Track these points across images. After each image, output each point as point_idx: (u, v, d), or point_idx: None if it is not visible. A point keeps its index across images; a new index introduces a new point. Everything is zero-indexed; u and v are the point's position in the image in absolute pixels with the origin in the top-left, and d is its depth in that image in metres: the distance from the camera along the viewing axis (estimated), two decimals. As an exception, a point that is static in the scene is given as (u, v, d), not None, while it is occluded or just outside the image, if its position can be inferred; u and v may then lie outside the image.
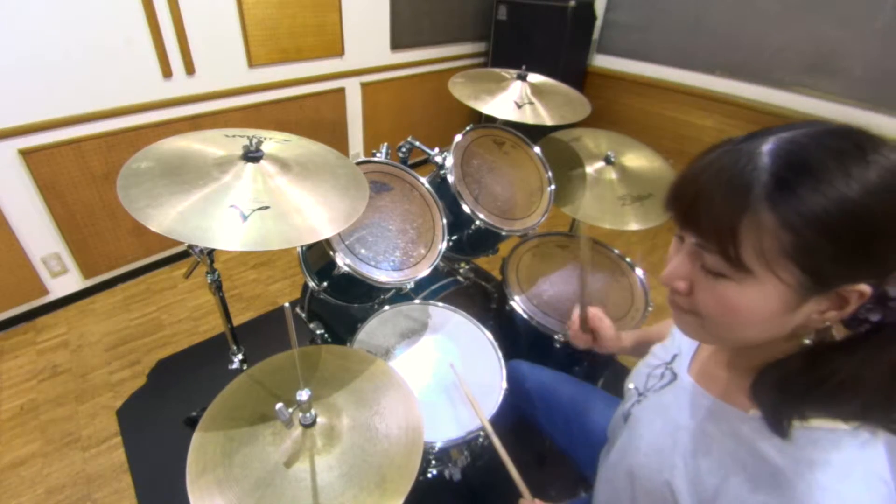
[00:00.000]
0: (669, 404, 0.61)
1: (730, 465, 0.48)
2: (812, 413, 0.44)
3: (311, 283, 1.11)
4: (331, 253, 0.99)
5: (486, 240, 1.34)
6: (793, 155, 0.40)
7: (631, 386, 0.73)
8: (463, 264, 1.44)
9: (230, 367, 1.33)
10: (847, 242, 0.38)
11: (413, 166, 1.30)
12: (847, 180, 0.37)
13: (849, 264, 0.39)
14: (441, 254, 1.13)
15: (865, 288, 0.40)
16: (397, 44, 2.69)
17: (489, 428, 0.84)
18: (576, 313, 0.92)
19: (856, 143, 0.39)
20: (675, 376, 0.64)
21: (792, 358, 0.47)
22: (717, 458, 0.50)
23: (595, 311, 0.92)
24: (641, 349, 0.85)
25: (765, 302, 0.43)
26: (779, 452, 0.45)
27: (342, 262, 0.98)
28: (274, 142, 0.96)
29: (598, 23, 2.98)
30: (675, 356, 0.67)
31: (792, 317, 0.44)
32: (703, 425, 0.54)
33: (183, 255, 2.31)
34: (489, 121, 1.39)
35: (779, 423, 0.45)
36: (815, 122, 0.42)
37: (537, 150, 1.36)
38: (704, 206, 0.43)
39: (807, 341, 0.46)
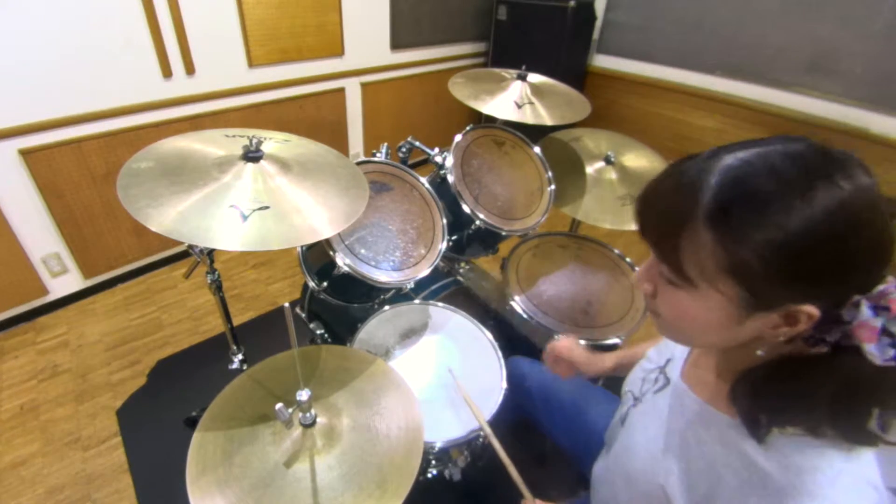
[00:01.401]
0: (663, 408, 0.61)
1: (721, 470, 0.48)
2: (784, 422, 0.45)
3: (311, 283, 1.11)
4: (331, 253, 0.99)
5: (486, 240, 1.34)
6: (738, 180, 0.41)
7: (627, 390, 0.74)
8: (463, 264, 1.44)
9: (230, 367, 1.33)
10: (782, 268, 0.39)
11: (413, 166, 1.30)
12: (786, 211, 0.38)
13: (786, 287, 0.40)
14: (441, 254, 1.13)
15: (813, 310, 0.40)
16: (397, 44, 2.69)
17: (489, 430, 0.84)
18: (549, 346, 0.94)
19: (807, 169, 0.39)
20: (668, 381, 0.64)
21: (760, 367, 0.48)
22: (709, 463, 0.50)
23: (563, 343, 0.93)
24: (623, 370, 0.85)
25: (710, 312, 0.45)
26: (766, 458, 0.45)
27: (342, 262, 0.98)
28: (274, 142, 0.96)
29: (598, 23, 2.98)
30: (668, 360, 0.67)
31: (740, 329, 0.45)
32: (695, 430, 0.54)
33: (183, 255, 2.31)
34: (489, 121, 1.39)
35: (755, 429, 0.46)
36: (778, 140, 0.42)
37: (537, 150, 1.36)
38: (652, 220, 0.47)
39: (759, 353, 0.47)
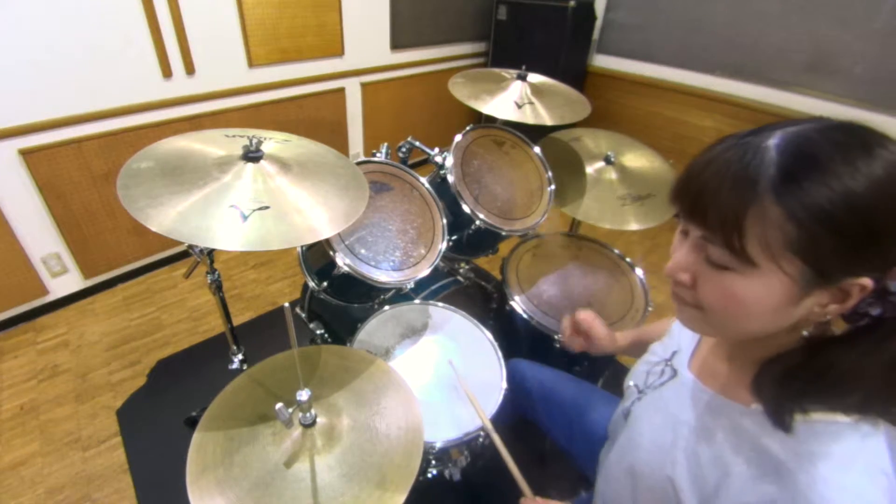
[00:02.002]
0: (670, 400, 0.61)
1: (731, 460, 0.48)
2: (813, 406, 0.44)
3: (311, 283, 1.11)
4: (331, 253, 0.99)
5: (486, 240, 1.34)
6: (800, 148, 0.40)
7: (631, 383, 0.74)
8: (463, 264, 1.44)
9: (230, 367, 1.33)
10: (851, 236, 0.39)
11: (413, 166, 1.30)
12: (853, 174, 0.38)
13: (852, 258, 0.40)
14: (441, 254, 1.13)
15: (867, 282, 0.40)
16: (397, 44, 2.69)
17: (489, 426, 0.84)
18: (566, 321, 0.94)
19: (862, 138, 0.40)
20: (675, 373, 0.64)
21: (792, 352, 0.47)
22: (719, 453, 0.50)
23: (585, 315, 0.93)
24: (637, 349, 0.85)
25: (768, 294, 0.43)
26: (780, 446, 0.45)
27: (342, 262, 0.98)
28: (274, 142, 0.96)
29: (598, 23, 2.98)
30: (674, 353, 0.67)
31: (794, 309, 0.44)
32: (704, 420, 0.54)
33: (183, 255, 2.31)
34: (489, 121, 1.39)
35: (780, 417, 0.45)
36: (822, 118, 0.43)
37: (537, 150, 1.36)
38: (710, 198, 0.44)
39: (805, 333, 0.46)
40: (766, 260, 0.42)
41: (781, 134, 0.42)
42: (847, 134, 0.40)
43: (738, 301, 0.45)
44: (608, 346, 0.92)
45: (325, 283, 1.09)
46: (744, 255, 0.42)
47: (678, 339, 0.68)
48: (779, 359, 0.48)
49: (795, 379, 0.46)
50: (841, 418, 0.44)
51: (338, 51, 2.44)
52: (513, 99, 1.36)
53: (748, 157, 0.42)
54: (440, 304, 1.18)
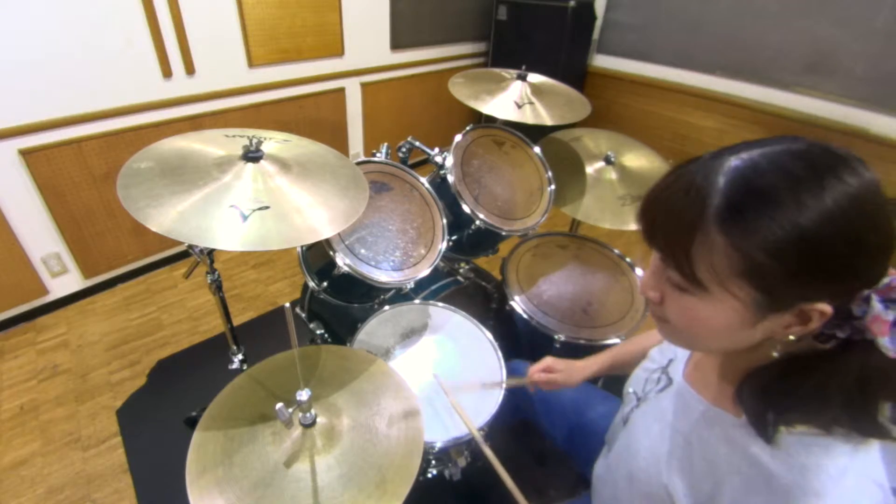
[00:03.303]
0: (666, 409, 0.61)
1: (725, 470, 0.48)
2: (794, 420, 0.45)
3: (311, 283, 1.11)
4: (331, 253, 0.99)
5: (486, 240, 1.34)
6: (746, 179, 0.40)
7: (630, 390, 0.74)
8: (463, 264, 1.44)
9: (230, 367, 1.33)
10: (797, 266, 0.39)
11: (413, 166, 1.30)
12: (798, 207, 0.38)
13: (802, 286, 0.40)
14: (441, 254, 1.13)
15: (825, 307, 0.40)
16: (397, 44, 2.69)
17: (479, 437, 0.83)
18: (529, 383, 0.94)
19: (814, 166, 0.39)
20: (670, 381, 0.64)
21: (769, 367, 0.47)
22: (713, 463, 0.50)
23: (536, 368, 0.93)
24: (620, 368, 0.85)
25: (722, 316, 0.44)
26: (771, 458, 0.45)
27: (342, 262, 0.98)
28: (274, 142, 0.96)
29: (598, 23, 2.98)
30: (671, 360, 0.67)
31: (752, 331, 0.45)
32: (698, 430, 0.54)
33: (183, 255, 2.31)
34: (489, 121, 1.39)
35: (763, 429, 0.46)
36: (780, 140, 0.42)
37: (537, 150, 1.36)
38: (661, 224, 0.46)
39: (774, 354, 0.46)
40: (715, 285, 0.42)
41: (733, 162, 0.41)
42: (799, 161, 0.40)
43: (695, 321, 0.46)
44: (579, 379, 0.91)
45: (325, 283, 1.09)
46: (694, 280, 0.43)
47: (674, 347, 0.68)
48: (757, 373, 0.48)
49: (773, 392, 0.46)
50: (822, 432, 0.44)
51: (338, 51, 2.44)
52: (513, 99, 1.36)
53: (698, 183, 0.42)
54: (440, 304, 1.18)
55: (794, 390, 0.45)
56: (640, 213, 0.48)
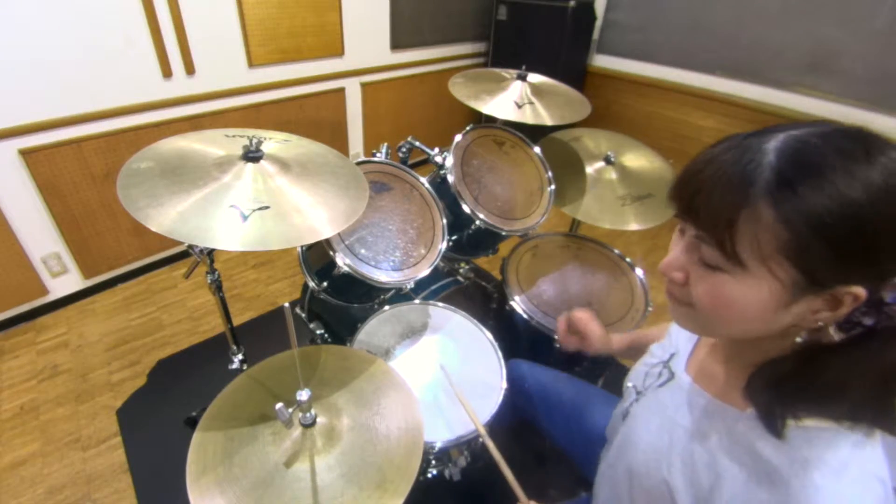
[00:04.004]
0: (667, 403, 0.61)
1: (726, 464, 0.48)
2: (805, 413, 0.44)
3: (311, 283, 1.11)
4: (331, 253, 0.99)
5: (486, 240, 1.34)
6: (798, 153, 0.40)
7: (630, 384, 0.74)
8: (463, 264, 1.44)
9: (230, 367, 1.33)
10: (844, 243, 0.38)
11: (413, 166, 1.30)
12: (850, 181, 0.37)
13: (844, 266, 0.39)
14: (441, 254, 1.13)
15: (860, 291, 0.40)
16: (397, 44, 2.69)
17: (482, 430, 0.83)
18: (562, 318, 0.94)
19: (864, 144, 0.39)
20: (672, 375, 0.64)
21: (785, 358, 0.47)
22: (713, 456, 0.50)
23: (581, 314, 0.93)
24: (634, 352, 0.85)
25: (757, 297, 0.43)
26: (774, 451, 0.45)
27: (342, 262, 0.98)
28: (274, 142, 0.96)
29: (598, 23, 2.98)
30: (672, 355, 0.67)
31: (784, 314, 0.44)
32: (700, 423, 0.54)
33: (183, 255, 2.31)
34: (489, 121, 1.39)
35: (773, 422, 0.45)
36: (824, 122, 0.42)
37: (537, 150, 1.36)
38: (705, 198, 0.44)
39: (798, 340, 0.46)
40: (756, 263, 0.41)
41: (783, 137, 0.41)
42: (850, 140, 0.40)
43: (727, 302, 0.45)
44: (603, 347, 0.92)
45: (325, 283, 1.09)
46: (735, 257, 0.42)
47: (676, 342, 0.68)
48: (771, 364, 0.48)
49: (787, 385, 0.45)
50: (834, 425, 0.44)
51: (338, 51, 2.44)
52: (513, 99, 1.36)
53: (746, 158, 0.41)
54: (440, 304, 1.18)
55: (811, 382, 0.44)
56: (678, 188, 0.47)
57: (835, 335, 0.44)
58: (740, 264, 0.42)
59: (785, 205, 0.39)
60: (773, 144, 0.41)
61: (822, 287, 0.41)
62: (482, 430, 0.83)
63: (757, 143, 0.42)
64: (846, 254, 0.39)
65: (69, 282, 2.00)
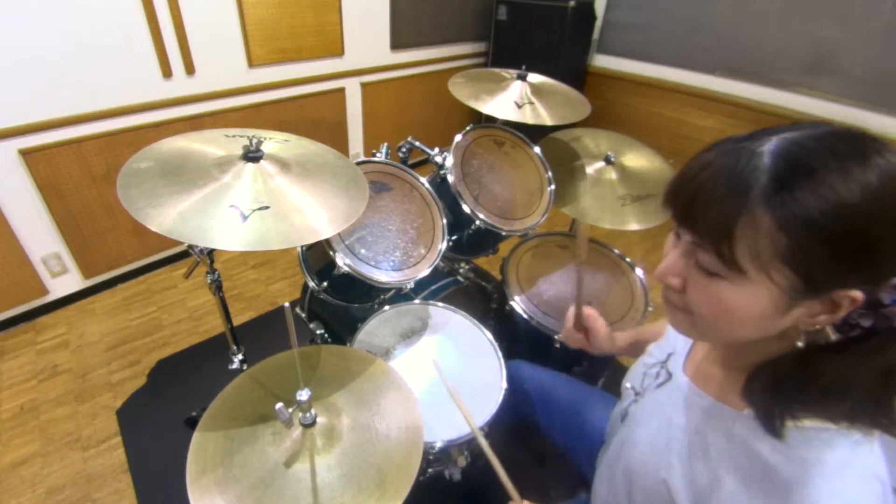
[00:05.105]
0: (665, 403, 0.61)
1: (724, 464, 0.48)
2: (803, 413, 0.44)
3: (311, 283, 1.11)
4: (331, 253, 0.99)
5: (486, 240, 1.34)
6: (793, 156, 0.40)
7: (628, 385, 0.74)
8: (463, 264, 1.44)
9: (230, 367, 1.33)
10: (843, 247, 0.38)
11: (413, 166, 1.30)
12: (846, 184, 0.37)
13: (843, 270, 0.39)
14: (441, 254, 1.13)
15: (858, 294, 0.40)
16: (397, 44, 2.69)
17: (475, 426, 0.83)
18: (571, 312, 0.93)
19: (859, 145, 0.39)
20: (670, 375, 0.64)
21: (783, 358, 0.47)
22: (712, 457, 0.50)
23: (590, 311, 0.93)
24: (636, 350, 0.85)
25: (756, 303, 0.43)
26: (772, 451, 0.45)
27: (342, 262, 0.98)
28: (274, 142, 0.96)
29: (598, 23, 2.98)
30: (669, 355, 0.67)
31: (782, 318, 0.44)
32: (698, 424, 0.54)
33: (183, 255, 2.31)
34: (489, 121, 1.39)
35: (771, 423, 0.45)
36: (819, 124, 0.42)
37: (537, 150, 1.36)
38: (702, 204, 0.43)
39: (799, 344, 0.46)
40: (755, 269, 0.41)
41: (777, 140, 0.41)
42: (844, 141, 0.39)
43: (725, 308, 0.45)
44: (607, 346, 0.92)
45: (325, 283, 1.09)
46: (733, 264, 0.42)
47: (674, 342, 0.68)
48: (770, 365, 0.48)
49: (785, 386, 0.45)
50: (833, 425, 0.44)
51: (338, 51, 2.44)
52: (513, 99, 1.36)
53: (741, 163, 0.41)
54: (440, 304, 1.18)
55: (810, 382, 0.44)
56: (673, 194, 0.47)
57: (832, 336, 0.44)
58: (738, 270, 0.42)
59: (783, 210, 0.39)
60: (768, 147, 0.41)
61: (820, 291, 0.41)
62: (474, 427, 0.83)
63: (752, 146, 0.42)
64: (844, 257, 0.38)
65: (69, 282, 2.00)
